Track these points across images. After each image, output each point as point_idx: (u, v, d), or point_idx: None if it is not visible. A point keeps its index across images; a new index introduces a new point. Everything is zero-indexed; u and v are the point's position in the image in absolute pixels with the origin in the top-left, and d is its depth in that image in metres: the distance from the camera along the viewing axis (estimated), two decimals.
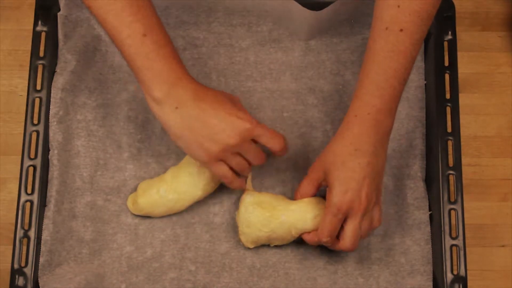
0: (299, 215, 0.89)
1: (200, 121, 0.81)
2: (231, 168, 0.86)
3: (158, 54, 0.80)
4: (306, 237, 0.89)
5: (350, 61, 1.00)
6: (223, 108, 0.82)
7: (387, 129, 0.85)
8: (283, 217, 0.89)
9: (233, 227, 0.94)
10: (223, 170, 0.85)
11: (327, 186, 0.87)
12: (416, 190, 0.96)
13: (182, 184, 0.92)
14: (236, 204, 0.95)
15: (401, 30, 0.81)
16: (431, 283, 0.93)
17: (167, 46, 0.82)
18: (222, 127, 0.82)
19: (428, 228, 0.94)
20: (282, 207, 0.90)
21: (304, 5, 0.95)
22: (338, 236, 0.87)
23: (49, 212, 0.93)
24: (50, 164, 0.94)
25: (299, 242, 0.93)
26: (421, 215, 0.95)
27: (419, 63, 0.99)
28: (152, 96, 0.81)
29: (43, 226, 0.92)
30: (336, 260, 0.93)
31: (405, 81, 0.85)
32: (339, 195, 0.84)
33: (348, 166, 0.84)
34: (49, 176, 0.94)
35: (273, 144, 0.86)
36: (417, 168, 0.96)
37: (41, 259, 0.91)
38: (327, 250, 0.93)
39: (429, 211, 0.95)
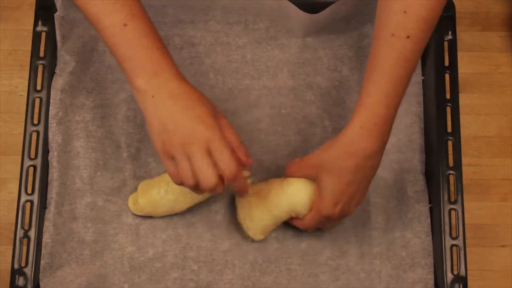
0: (297, 197, 0.89)
1: (169, 114, 0.79)
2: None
3: (138, 43, 0.79)
4: (296, 223, 0.91)
5: (347, 57, 1.00)
6: (193, 108, 0.79)
7: (387, 140, 0.84)
8: (283, 202, 0.89)
9: (235, 224, 0.94)
10: (169, 167, 0.81)
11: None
12: (416, 183, 0.96)
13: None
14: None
15: (408, 37, 0.80)
16: (432, 276, 0.93)
17: (149, 36, 0.80)
18: (182, 126, 0.78)
19: (428, 221, 0.95)
20: (277, 191, 0.90)
21: (300, 5, 0.95)
22: None
23: (50, 214, 0.93)
24: (50, 166, 0.94)
25: (300, 237, 0.94)
26: (421, 208, 0.95)
27: None
28: (134, 85, 0.80)
29: (44, 229, 0.92)
30: (338, 256, 0.94)
31: (407, 86, 0.83)
32: (330, 207, 0.85)
33: (345, 180, 0.83)
34: (49, 178, 0.94)
35: (224, 167, 0.78)
36: (416, 161, 0.97)
37: (42, 262, 0.91)
38: (329, 246, 0.94)
39: (429, 204, 0.95)
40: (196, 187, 0.80)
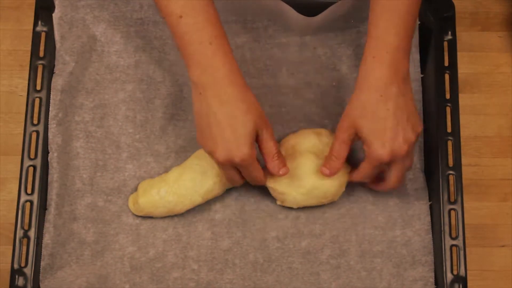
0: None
1: (211, 119, 0.81)
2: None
3: (191, 38, 0.81)
4: (351, 176, 0.91)
5: (346, 55, 1.00)
6: (234, 120, 0.81)
7: (406, 69, 0.84)
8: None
9: (235, 223, 0.94)
10: (225, 174, 0.87)
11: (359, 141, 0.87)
12: (415, 181, 0.96)
13: (183, 188, 0.92)
14: (237, 201, 0.95)
15: None
16: (432, 274, 0.93)
17: (203, 30, 0.81)
18: (220, 140, 0.82)
19: (429, 218, 0.95)
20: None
21: (298, 5, 0.96)
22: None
23: (50, 215, 0.93)
24: (50, 167, 0.94)
25: (301, 236, 0.94)
26: (421, 205, 0.95)
27: (414, 55, 0.99)
28: (188, 75, 0.82)
29: (44, 230, 0.92)
30: (339, 254, 0.94)
31: (416, 16, 0.84)
32: (378, 149, 0.83)
33: (379, 115, 0.83)
34: (49, 179, 0.94)
35: (251, 180, 0.88)
36: (416, 159, 0.97)
37: (42, 263, 0.91)
38: (329, 245, 0.94)
39: (429, 201, 0.95)
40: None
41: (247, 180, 0.88)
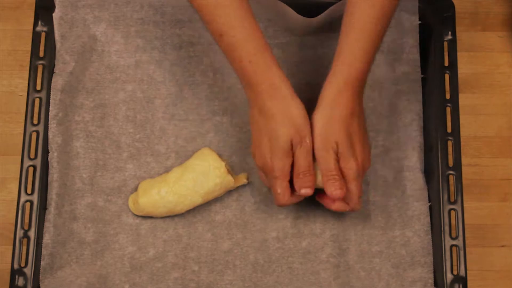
0: None
1: (256, 131, 0.86)
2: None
3: (231, 55, 0.84)
4: (333, 205, 0.90)
5: None
6: (273, 133, 0.84)
7: (363, 86, 0.87)
8: None
9: (235, 224, 0.94)
10: (261, 177, 0.90)
11: None
12: (415, 181, 0.96)
13: (184, 188, 0.92)
14: (237, 201, 0.95)
15: None
16: (431, 275, 0.93)
17: (242, 48, 0.83)
18: (260, 150, 0.86)
19: (428, 219, 0.95)
20: None
21: (297, 5, 0.96)
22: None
23: (50, 215, 0.93)
24: (50, 167, 0.94)
25: (301, 236, 0.94)
26: (421, 206, 0.95)
27: (415, 55, 0.99)
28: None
29: (44, 230, 0.92)
30: (338, 253, 0.94)
31: (383, 38, 0.87)
32: (354, 161, 0.85)
33: (352, 130, 0.85)
34: (49, 178, 0.94)
35: (277, 199, 0.87)
36: (415, 160, 0.97)
37: (42, 263, 0.91)
38: (329, 244, 0.94)
39: (429, 202, 0.95)
40: None
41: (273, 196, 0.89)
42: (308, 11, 0.97)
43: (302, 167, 0.85)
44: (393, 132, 0.97)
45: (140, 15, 1.00)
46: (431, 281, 0.93)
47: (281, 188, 0.86)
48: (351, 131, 0.85)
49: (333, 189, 0.85)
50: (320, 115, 0.85)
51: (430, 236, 0.94)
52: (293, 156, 0.85)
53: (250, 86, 0.84)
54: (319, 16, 0.97)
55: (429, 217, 0.95)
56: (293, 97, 0.85)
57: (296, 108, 0.84)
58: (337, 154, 0.85)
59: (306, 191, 0.86)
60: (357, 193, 0.86)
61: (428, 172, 0.96)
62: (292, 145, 0.84)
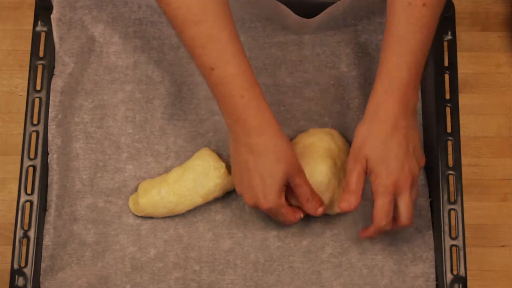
0: (313, 179, 0.91)
1: (242, 166, 0.85)
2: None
3: (221, 90, 0.83)
4: (365, 234, 0.89)
5: (345, 54, 1.01)
6: (263, 171, 0.83)
7: (415, 102, 0.86)
8: None
9: (236, 223, 0.95)
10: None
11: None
12: None
13: (184, 189, 0.92)
14: (237, 200, 0.95)
15: (424, 4, 0.82)
16: (433, 270, 0.93)
17: (233, 83, 0.82)
18: (249, 189, 0.85)
19: (429, 215, 0.95)
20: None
21: (295, 5, 0.96)
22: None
23: (50, 216, 0.93)
24: (50, 168, 0.94)
25: (302, 235, 0.94)
26: (422, 202, 0.95)
27: None
28: (224, 120, 0.85)
29: (44, 231, 0.92)
30: (340, 253, 0.94)
31: (427, 53, 0.86)
32: (384, 178, 0.84)
33: (388, 147, 0.84)
34: (49, 180, 0.94)
35: (285, 223, 0.90)
36: None
37: (43, 265, 0.92)
38: (331, 243, 0.94)
39: (430, 198, 0.95)
40: None
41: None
42: (305, 12, 0.97)
43: (307, 194, 0.87)
44: None
45: (138, 16, 1.00)
46: (433, 276, 0.93)
47: (284, 216, 0.87)
48: (387, 147, 0.84)
49: (313, 211, 0.88)
50: (359, 129, 0.86)
51: (431, 232, 0.94)
52: (292, 188, 0.86)
53: (239, 122, 0.83)
54: (316, 17, 0.97)
55: (430, 212, 0.95)
56: (282, 134, 0.85)
57: (286, 143, 0.85)
58: (365, 169, 0.86)
59: (321, 210, 0.88)
60: (382, 208, 0.85)
61: (428, 172, 0.96)
62: (287, 180, 0.85)
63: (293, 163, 0.85)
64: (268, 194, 0.84)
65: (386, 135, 0.84)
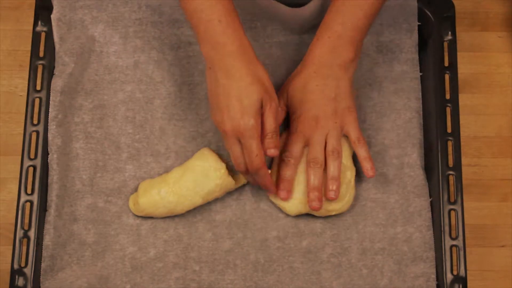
0: None
1: (220, 92, 0.85)
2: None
3: (201, 15, 0.84)
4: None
5: None
6: (241, 91, 0.84)
7: (348, 59, 0.90)
8: None
9: (236, 224, 0.94)
10: (231, 150, 0.88)
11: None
12: (415, 178, 0.96)
13: (184, 189, 0.92)
14: (237, 201, 0.95)
15: None
16: (434, 270, 0.93)
17: (212, 8, 0.84)
18: (230, 110, 0.85)
19: (429, 215, 0.95)
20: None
21: (292, 4, 0.97)
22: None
23: (50, 216, 0.93)
24: (50, 168, 0.94)
25: (302, 235, 0.94)
26: (422, 202, 0.95)
27: (413, 55, 0.99)
28: (200, 50, 0.86)
29: (44, 231, 0.92)
30: (340, 253, 0.94)
31: (372, 16, 0.90)
32: (300, 120, 0.91)
33: (306, 88, 0.90)
34: (49, 180, 0.94)
35: (248, 161, 0.87)
36: (415, 156, 0.97)
37: (43, 265, 0.92)
38: (330, 243, 0.94)
39: (430, 197, 0.95)
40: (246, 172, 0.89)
41: (248, 167, 0.88)
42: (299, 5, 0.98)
43: (270, 129, 0.87)
44: (393, 130, 0.98)
45: (138, 16, 1.00)
46: (434, 276, 0.93)
47: (258, 149, 0.86)
48: (305, 89, 0.90)
49: (265, 148, 0.88)
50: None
51: (431, 231, 0.94)
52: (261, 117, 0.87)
53: (216, 47, 0.84)
54: (306, 6, 0.98)
55: (430, 212, 0.95)
56: (258, 61, 0.87)
57: (263, 71, 0.86)
58: (287, 104, 0.93)
59: (272, 152, 0.87)
60: (292, 140, 0.92)
61: (428, 172, 0.96)
62: (261, 105, 0.86)
63: (268, 90, 0.86)
64: (245, 115, 0.84)
65: (309, 78, 0.90)
